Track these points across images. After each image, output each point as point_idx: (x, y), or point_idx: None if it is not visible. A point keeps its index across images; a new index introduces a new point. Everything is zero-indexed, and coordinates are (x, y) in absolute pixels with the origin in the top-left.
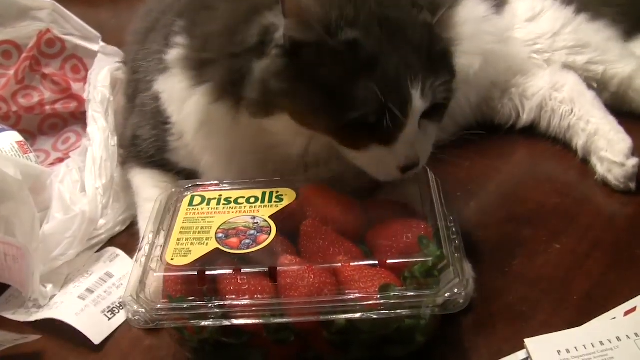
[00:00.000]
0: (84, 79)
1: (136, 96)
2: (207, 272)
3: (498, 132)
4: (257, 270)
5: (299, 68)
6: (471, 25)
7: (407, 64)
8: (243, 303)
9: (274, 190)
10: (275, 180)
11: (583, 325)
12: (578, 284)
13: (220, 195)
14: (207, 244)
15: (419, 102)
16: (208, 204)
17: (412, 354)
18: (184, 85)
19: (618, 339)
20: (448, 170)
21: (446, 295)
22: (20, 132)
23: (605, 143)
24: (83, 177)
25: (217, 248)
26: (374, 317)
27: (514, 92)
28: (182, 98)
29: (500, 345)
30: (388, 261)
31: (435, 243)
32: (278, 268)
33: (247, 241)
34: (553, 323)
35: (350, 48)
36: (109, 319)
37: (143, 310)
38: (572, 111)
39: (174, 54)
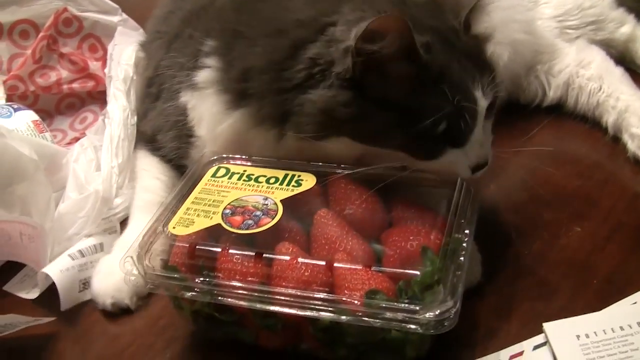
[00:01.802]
0: (102, 58)
1: (159, 98)
2: (198, 247)
3: (523, 112)
4: (251, 253)
5: (366, 93)
6: (499, 14)
7: (464, 67)
8: (230, 283)
9: (296, 173)
10: (301, 163)
11: (603, 310)
12: (598, 268)
13: (245, 171)
14: (211, 218)
15: (482, 102)
16: (230, 177)
17: None
18: (218, 109)
19: (639, 324)
20: None
21: (429, 315)
22: (38, 111)
23: (636, 120)
24: (98, 156)
25: (219, 224)
26: (355, 322)
27: (540, 69)
28: (215, 119)
29: (518, 329)
30: (384, 268)
31: (439, 256)
32: (269, 255)
33: (250, 222)
34: (572, 307)
35: (419, 57)
36: (80, 290)
37: (137, 272)
38: (600, 88)
39: (205, 75)
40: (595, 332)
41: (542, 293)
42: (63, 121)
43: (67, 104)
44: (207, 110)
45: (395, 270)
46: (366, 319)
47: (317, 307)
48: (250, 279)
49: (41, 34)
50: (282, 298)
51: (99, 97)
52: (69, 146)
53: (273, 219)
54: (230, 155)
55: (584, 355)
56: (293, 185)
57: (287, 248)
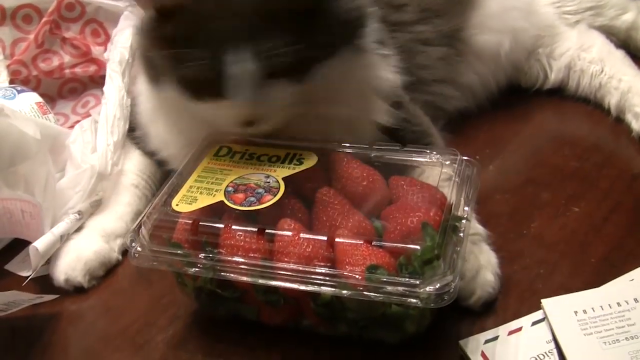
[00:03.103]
0: (104, 43)
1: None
2: (201, 224)
3: (524, 94)
4: (254, 229)
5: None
6: (496, 2)
7: (230, 26)
8: (233, 259)
9: (298, 152)
10: (303, 142)
11: (600, 287)
12: (596, 247)
13: (247, 150)
14: (214, 196)
15: (237, 67)
16: (232, 156)
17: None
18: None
19: (636, 300)
20: (467, 133)
21: (429, 289)
22: (40, 96)
23: (639, 99)
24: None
25: (222, 201)
26: (355, 297)
27: (541, 52)
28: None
29: (517, 307)
30: (384, 243)
31: (439, 232)
32: (271, 231)
33: (252, 199)
34: (571, 285)
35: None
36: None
37: (140, 249)
38: (602, 70)
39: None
40: (592, 308)
41: (540, 272)
42: (65, 105)
43: (69, 89)
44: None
45: (395, 245)
46: (367, 293)
47: (318, 282)
48: (252, 254)
49: (44, 19)
50: (284, 273)
51: (100, 82)
52: (71, 129)
53: (275, 196)
54: (235, 135)
55: (581, 331)
56: (294, 164)
57: (289, 224)
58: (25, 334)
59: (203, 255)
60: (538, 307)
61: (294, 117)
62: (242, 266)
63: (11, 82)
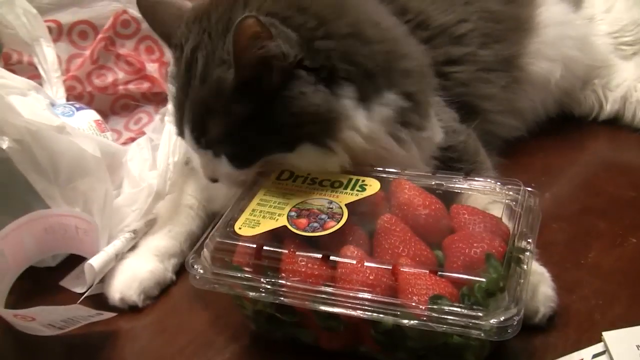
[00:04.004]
0: (158, 60)
1: None
2: (265, 248)
3: (578, 124)
4: (317, 255)
5: None
6: (552, 30)
7: (191, 102)
8: (295, 284)
9: (361, 178)
10: (364, 168)
11: None
12: None
13: (309, 174)
14: (277, 220)
15: (188, 136)
16: (294, 180)
17: None
18: None
19: None
20: (522, 160)
21: (493, 321)
22: None
23: None
24: (154, 155)
25: (285, 226)
26: (419, 326)
27: (597, 83)
28: None
29: (576, 337)
30: (447, 273)
31: (503, 264)
32: (334, 257)
33: (315, 224)
34: (629, 316)
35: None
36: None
37: (201, 271)
38: None
39: None
40: None
41: (599, 302)
42: (118, 121)
43: (122, 105)
44: None
45: (459, 276)
46: (430, 323)
47: (380, 310)
48: (314, 280)
49: (100, 36)
50: (346, 300)
51: (153, 99)
52: (124, 146)
53: (338, 222)
54: None
55: None
56: (357, 190)
57: (352, 251)
58: (82, 353)
59: (265, 279)
60: (597, 338)
61: None
62: (304, 292)
63: (66, 98)
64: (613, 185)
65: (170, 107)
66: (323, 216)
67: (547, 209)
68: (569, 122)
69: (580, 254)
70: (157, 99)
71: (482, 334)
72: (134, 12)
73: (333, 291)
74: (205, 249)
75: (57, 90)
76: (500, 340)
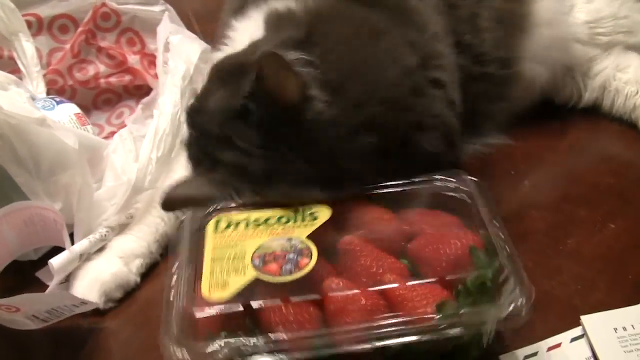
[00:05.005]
0: (140, 52)
1: None
2: (253, 304)
3: (558, 111)
4: (305, 298)
5: None
6: (544, 31)
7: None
8: (293, 336)
9: (306, 207)
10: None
11: None
12: (634, 264)
13: (248, 217)
14: (244, 273)
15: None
16: (236, 227)
17: None
18: None
19: None
20: (503, 149)
21: (510, 307)
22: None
23: None
24: (137, 147)
25: (256, 277)
26: (434, 338)
27: (577, 71)
28: None
29: (555, 322)
30: (443, 277)
31: (487, 252)
32: (321, 296)
33: (288, 266)
34: (609, 302)
35: None
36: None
37: (190, 355)
38: (637, 92)
39: None
40: (632, 325)
41: (578, 288)
42: (100, 116)
43: (104, 99)
44: None
45: (452, 277)
46: (448, 331)
47: (389, 333)
48: (309, 325)
49: (80, 29)
50: (351, 335)
51: (135, 92)
52: (106, 140)
53: (311, 257)
54: (221, 206)
55: (621, 348)
56: (309, 220)
57: (337, 283)
58: (67, 346)
59: (260, 338)
60: (577, 323)
61: None
62: (305, 339)
63: (47, 92)
64: (592, 172)
65: None
66: (291, 255)
67: (526, 197)
68: (549, 110)
69: (559, 241)
70: (138, 93)
71: (501, 324)
72: (114, 4)
73: (334, 330)
74: (174, 328)
75: (37, 85)
76: None
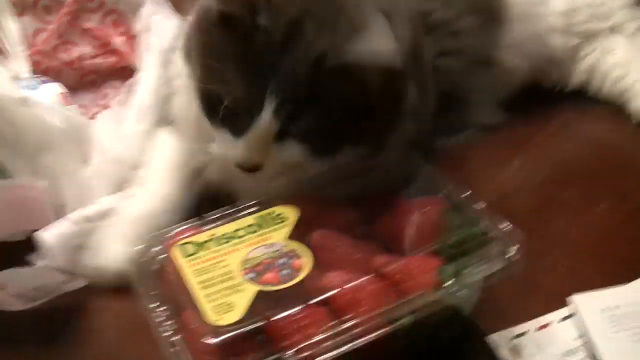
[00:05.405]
0: (125, 34)
1: None
2: (273, 318)
3: (544, 94)
4: (317, 299)
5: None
6: (521, 25)
7: (278, 80)
8: (315, 341)
9: (270, 211)
10: (258, 202)
11: (629, 283)
12: (619, 246)
13: (213, 234)
14: (244, 290)
15: (267, 119)
16: (206, 248)
17: None
18: None
19: None
20: (490, 131)
21: (507, 255)
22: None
23: None
24: (121, 128)
25: (259, 290)
26: (449, 304)
27: (561, 58)
28: None
29: (544, 302)
30: (428, 246)
31: (458, 212)
32: (329, 294)
33: (285, 271)
34: (595, 283)
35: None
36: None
37: None
38: (627, 74)
39: None
40: (622, 305)
41: (565, 269)
42: (85, 97)
43: (90, 81)
44: None
45: (439, 242)
46: (461, 292)
47: (405, 312)
48: (325, 323)
49: (64, 10)
50: (371, 323)
51: (120, 73)
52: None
53: (301, 257)
54: (172, 232)
55: (611, 327)
56: (279, 223)
57: (340, 276)
58: (52, 324)
59: (291, 353)
60: (565, 303)
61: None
62: (328, 342)
63: (32, 72)
64: (578, 155)
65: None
66: (281, 260)
67: (512, 180)
68: (535, 93)
69: (545, 224)
70: (123, 74)
71: (508, 270)
72: None
73: (352, 323)
74: None
75: (21, 65)
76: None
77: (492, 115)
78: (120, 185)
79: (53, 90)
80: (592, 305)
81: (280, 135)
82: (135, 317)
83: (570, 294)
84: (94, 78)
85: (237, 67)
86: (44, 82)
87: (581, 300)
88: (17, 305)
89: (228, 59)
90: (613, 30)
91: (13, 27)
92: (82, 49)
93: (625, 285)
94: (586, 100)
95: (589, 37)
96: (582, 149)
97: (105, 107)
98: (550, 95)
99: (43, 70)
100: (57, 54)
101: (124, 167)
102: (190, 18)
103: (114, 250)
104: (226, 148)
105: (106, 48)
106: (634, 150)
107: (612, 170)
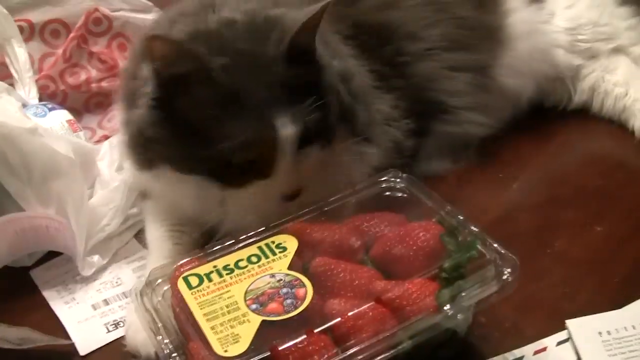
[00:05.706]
0: None
1: None
2: (279, 348)
3: (547, 113)
4: (320, 327)
5: (174, 114)
6: (523, 43)
7: (269, 95)
8: None
9: (269, 241)
10: (259, 232)
11: (624, 307)
12: (620, 267)
13: (216, 266)
14: (249, 321)
15: (286, 130)
16: (210, 279)
17: None
18: None
19: None
20: (492, 151)
21: (498, 280)
22: (68, 109)
23: None
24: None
25: (263, 320)
26: (447, 327)
27: (564, 76)
28: None
29: (541, 326)
30: (425, 271)
31: (455, 236)
32: (332, 322)
33: (289, 301)
34: (595, 304)
35: (216, 80)
36: (108, 331)
37: None
38: (627, 93)
39: None
40: (617, 329)
41: (564, 291)
42: (92, 119)
43: (96, 103)
44: None
45: (436, 267)
46: (459, 315)
47: (405, 336)
48: (329, 351)
49: (72, 34)
50: (372, 350)
51: None
52: (98, 144)
53: (305, 286)
54: (178, 263)
55: (606, 352)
56: (280, 252)
57: (341, 304)
58: None
59: None
60: (563, 327)
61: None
62: None
63: (39, 97)
64: (580, 174)
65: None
66: (284, 290)
67: (514, 199)
68: (538, 112)
69: (546, 243)
70: None
71: (508, 289)
72: (106, 9)
73: (357, 349)
74: None
75: (29, 90)
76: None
77: (489, 125)
78: (127, 210)
79: (61, 117)
80: (588, 329)
81: (300, 146)
82: None
83: (568, 315)
84: (101, 100)
85: (229, 113)
86: (51, 108)
87: (577, 325)
88: (5, 345)
89: (216, 113)
90: (617, 51)
91: (21, 53)
92: (89, 72)
93: (621, 310)
94: (589, 118)
95: (592, 57)
96: (585, 167)
97: (112, 129)
98: (553, 113)
99: (50, 94)
100: (64, 77)
101: (130, 192)
102: (138, 112)
103: (141, 338)
104: (260, 193)
105: (113, 71)
106: (637, 167)
107: (614, 188)
